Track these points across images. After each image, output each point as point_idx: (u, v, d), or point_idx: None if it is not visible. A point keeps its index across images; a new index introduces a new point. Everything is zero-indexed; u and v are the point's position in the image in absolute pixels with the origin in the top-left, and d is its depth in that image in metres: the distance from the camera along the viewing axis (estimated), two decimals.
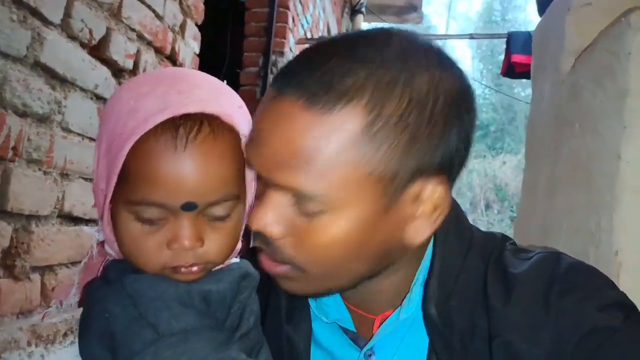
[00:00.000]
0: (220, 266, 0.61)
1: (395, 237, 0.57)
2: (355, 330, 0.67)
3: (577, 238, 0.94)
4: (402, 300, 0.63)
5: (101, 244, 0.63)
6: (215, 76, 0.61)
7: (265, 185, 0.57)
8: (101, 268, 0.62)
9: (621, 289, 0.62)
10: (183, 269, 0.56)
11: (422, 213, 0.57)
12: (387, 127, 0.52)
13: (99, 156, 0.57)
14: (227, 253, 0.59)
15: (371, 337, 0.65)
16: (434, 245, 0.65)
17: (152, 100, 0.53)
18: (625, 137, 0.81)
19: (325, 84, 0.52)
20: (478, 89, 19.73)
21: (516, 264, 0.63)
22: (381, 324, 0.65)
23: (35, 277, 1.34)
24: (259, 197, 0.58)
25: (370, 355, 0.65)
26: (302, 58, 0.57)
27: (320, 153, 0.52)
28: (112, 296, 0.56)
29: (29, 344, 1.29)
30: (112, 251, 0.60)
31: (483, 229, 0.70)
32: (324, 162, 0.52)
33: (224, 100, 0.57)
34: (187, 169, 0.52)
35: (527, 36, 3.30)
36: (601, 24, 1.08)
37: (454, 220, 0.66)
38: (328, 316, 0.67)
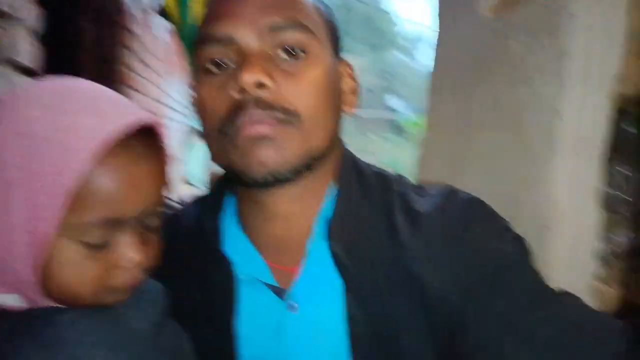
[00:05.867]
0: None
1: (340, 100, 0.72)
2: (277, 284, 0.70)
3: (506, 181, 1.04)
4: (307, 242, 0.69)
5: None
6: None
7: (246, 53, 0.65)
8: None
9: (551, 234, 0.73)
10: (122, 287, 0.56)
11: (349, 88, 0.74)
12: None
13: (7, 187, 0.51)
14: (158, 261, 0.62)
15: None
16: (337, 188, 0.71)
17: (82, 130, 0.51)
18: (563, 96, 0.88)
19: None
20: None
21: (420, 202, 0.70)
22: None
23: None
24: (243, 66, 0.64)
25: (293, 307, 0.68)
26: None
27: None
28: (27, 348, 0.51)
29: None
30: (22, 297, 0.55)
31: None
32: (309, 5, 0.69)
33: (138, 109, 0.58)
34: (141, 179, 0.55)
35: None
36: None
37: (351, 162, 0.74)
38: (247, 273, 0.70)
